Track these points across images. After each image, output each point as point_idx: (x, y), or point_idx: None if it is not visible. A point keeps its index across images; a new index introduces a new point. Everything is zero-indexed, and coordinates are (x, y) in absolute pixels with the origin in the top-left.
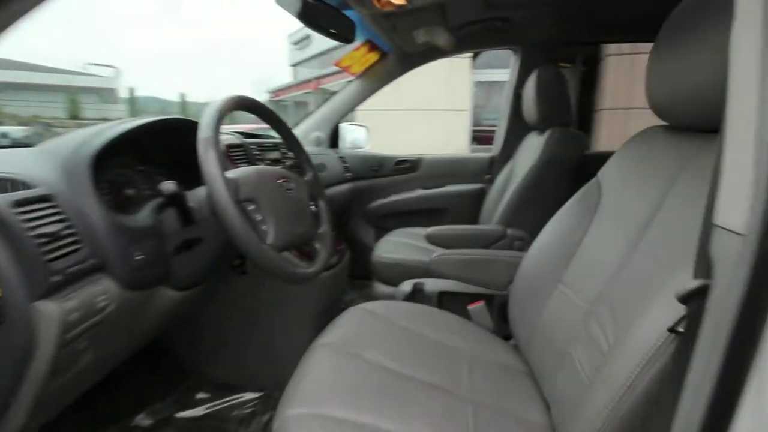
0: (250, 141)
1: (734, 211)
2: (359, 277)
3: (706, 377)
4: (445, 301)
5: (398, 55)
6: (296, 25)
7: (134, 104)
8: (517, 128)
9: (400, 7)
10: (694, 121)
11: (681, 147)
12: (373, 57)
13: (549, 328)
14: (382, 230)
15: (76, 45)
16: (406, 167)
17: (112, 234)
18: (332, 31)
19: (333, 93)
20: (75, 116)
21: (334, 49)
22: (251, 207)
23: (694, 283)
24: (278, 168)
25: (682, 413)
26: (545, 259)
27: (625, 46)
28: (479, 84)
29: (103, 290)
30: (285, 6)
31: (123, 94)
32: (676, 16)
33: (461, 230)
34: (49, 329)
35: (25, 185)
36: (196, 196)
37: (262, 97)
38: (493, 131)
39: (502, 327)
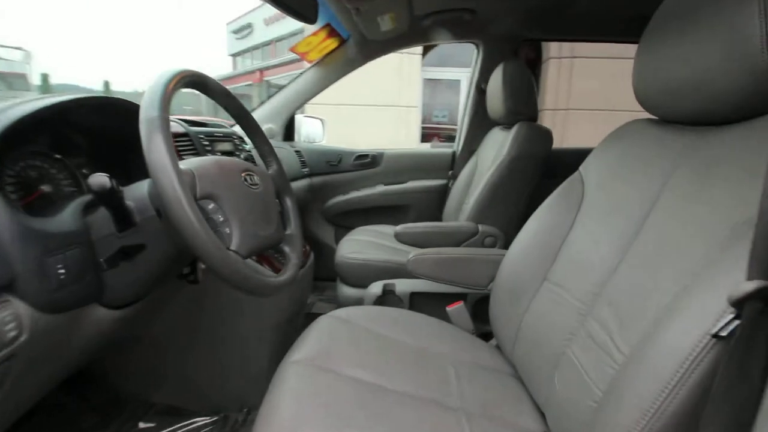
0: (197, 130)
1: None
2: (319, 278)
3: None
4: (418, 302)
5: (359, 43)
6: (236, 12)
7: (49, 92)
8: (480, 123)
9: None
10: (688, 114)
11: (674, 141)
12: (332, 44)
13: (537, 328)
14: (341, 228)
15: None
16: (367, 162)
17: (20, 242)
18: (292, 9)
19: (279, 86)
20: None
21: (279, 39)
22: (210, 205)
23: (750, 285)
24: (240, 160)
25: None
26: (528, 257)
27: (566, 51)
28: (426, 81)
29: (11, 316)
30: None
31: (35, 80)
32: (669, 5)
33: (431, 228)
34: None
35: None
36: (135, 192)
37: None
38: (439, 128)
39: (478, 326)
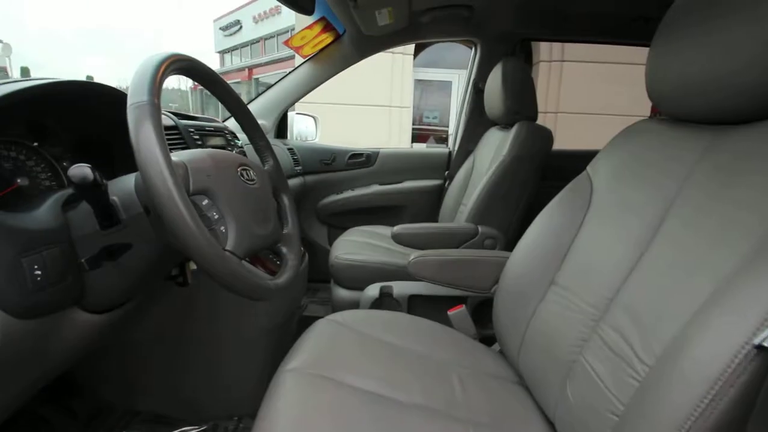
0: (187, 123)
1: None
2: (311, 280)
3: None
4: (416, 305)
5: (354, 39)
6: (224, 8)
7: None
8: (477, 123)
9: None
10: (707, 113)
11: (690, 140)
12: (327, 38)
13: (545, 333)
14: (335, 229)
15: None
16: (361, 161)
17: None
18: None
19: (268, 84)
20: None
21: (268, 37)
22: (204, 202)
23: None
24: (235, 154)
25: None
26: (534, 260)
27: (556, 54)
28: (416, 83)
29: None
30: None
31: (16, 74)
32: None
33: (430, 228)
34: None
35: None
36: (120, 187)
37: (184, 85)
38: (430, 130)
39: (479, 330)
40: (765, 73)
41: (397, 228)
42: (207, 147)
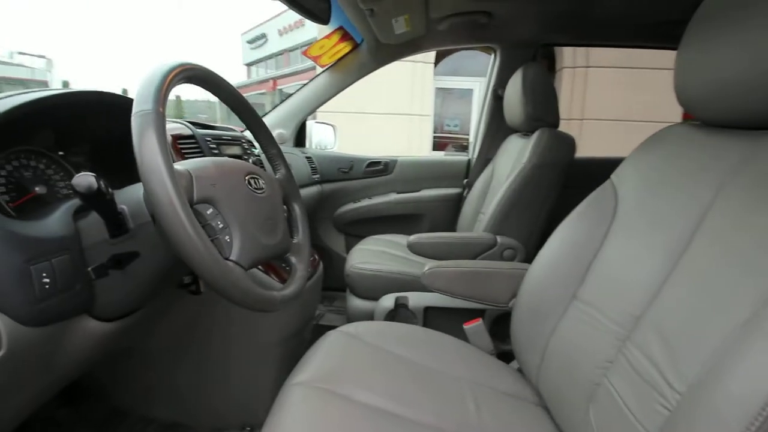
0: (204, 132)
1: None
2: (328, 288)
3: None
4: (432, 317)
5: (372, 47)
6: (251, 22)
7: None
8: (497, 130)
9: None
10: (743, 117)
11: (726, 147)
12: (345, 48)
13: (566, 352)
14: (352, 237)
15: (4, 31)
16: (379, 169)
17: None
18: (305, 8)
19: (290, 95)
20: None
21: (292, 49)
22: (209, 210)
23: None
24: (244, 161)
25: None
26: (555, 273)
27: (580, 60)
28: (437, 91)
29: None
30: None
31: (56, 87)
32: None
33: (446, 238)
34: None
35: None
36: (128, 195)
37: (212, 96)
38: (451, 138)
39: (497, 345)
40: None
41: (412, 237)
42: (223, 156)
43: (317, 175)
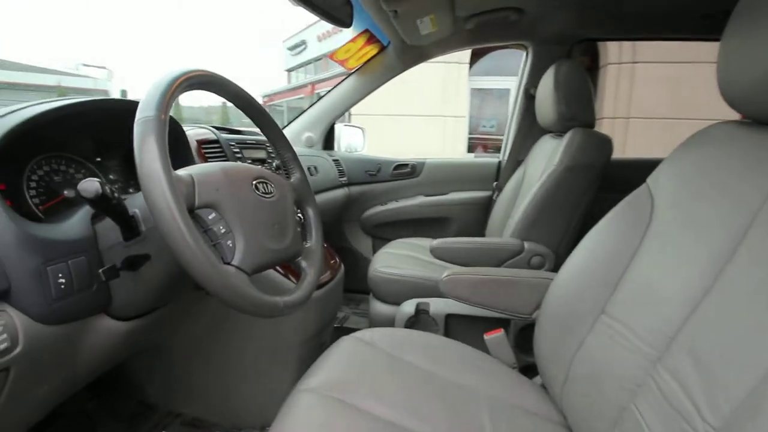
0: (228, 137)
1: None
2: (354, 290)
3: None
4: (454, 325)
5: (399, 49)
6: (291, 29)
7: None
8: (528, 131)
9: None
10: None
11: None
12: (371, 50)
13: (592, 371)
14: (379, 240)
15: (72, 45)
16: (406, 172)
17: (16, 251)
18: (327, 12)
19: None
20: None
21: (329, 54)
22: (212, 215)
23: None
24: (254, 166)
25: None
26: (582, 283)
27: (626, 55)
28: (473, 91)
29: (2, 328)
30: None
31: (115, 96)
32: None
33: (471, 243)
34: None
35: None
36: (141, 199)
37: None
38: (487, 139)
39: (521, 357)
40: None
41: (435, 242)
42: (246, 159)
43: (344, 178)
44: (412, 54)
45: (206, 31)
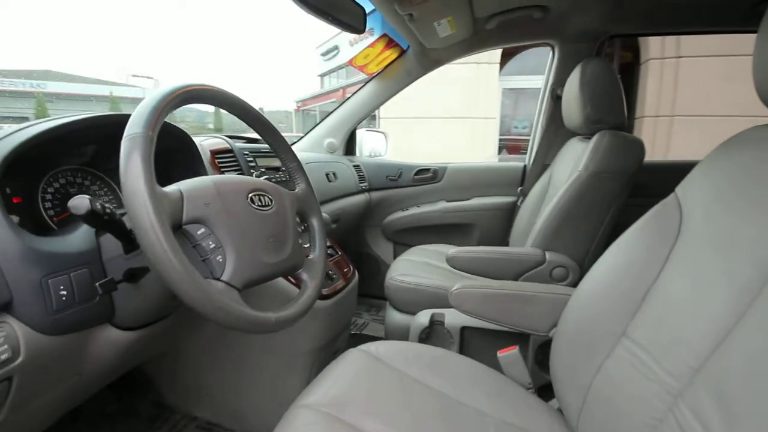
0: (242, 146)
1: None
2: (374, 296)
3: None
4: (469, 338)
5: (418, 52)
6: (324, 35)
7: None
8: (555, 133)
9: None
10: None
11: None
12: (391, 55)
13: (611, 398)
14: (400, 246)
15: (121, 56)
16: (428, 177)
17: (18, 264)
18: (337, 18)
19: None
20: None
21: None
22: (200, 231)
23: None
24: (250, 178)
25: None
26: (603, 301)
27: (669, 50)
28: (506, 92)
29: (3, 338)
30: None
31: None
32: None
33: (489, 253)
34: None
35: None
36: None
37: (291, 106)
38: (519, 140)
39: (538, 376)
40: None
41: (452, 251)
42: (260, 168)
43: (365, 183)
44: (433, 57)
45: (245, 41)
